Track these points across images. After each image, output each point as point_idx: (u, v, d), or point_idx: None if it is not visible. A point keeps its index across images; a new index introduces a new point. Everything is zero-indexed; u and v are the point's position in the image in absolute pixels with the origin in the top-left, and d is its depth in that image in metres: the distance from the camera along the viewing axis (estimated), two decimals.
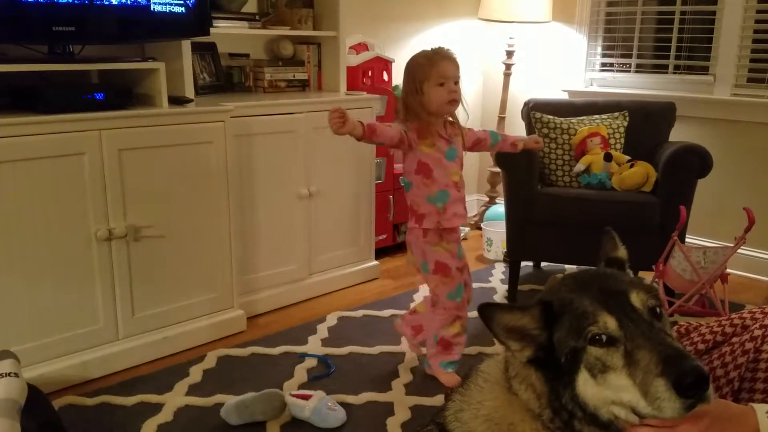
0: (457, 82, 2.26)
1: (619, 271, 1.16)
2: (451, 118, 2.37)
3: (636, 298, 1.02)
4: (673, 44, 3.82)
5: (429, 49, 2.31)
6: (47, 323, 2.31)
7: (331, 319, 2.95)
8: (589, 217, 3.02)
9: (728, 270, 2.79)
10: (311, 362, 2.56)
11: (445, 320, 2.39)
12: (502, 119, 4.25)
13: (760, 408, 1.10)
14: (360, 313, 3.03)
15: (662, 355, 0.94)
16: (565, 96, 4.16)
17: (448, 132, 2.34)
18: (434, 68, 2.22)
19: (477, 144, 2.48)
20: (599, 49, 4.14)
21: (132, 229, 2.45)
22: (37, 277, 2.26)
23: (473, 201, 4.72)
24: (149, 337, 2.57)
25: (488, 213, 4.18)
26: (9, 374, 1.85)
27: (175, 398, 2.30)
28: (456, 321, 2.39)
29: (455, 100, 2.26)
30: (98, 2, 2.32)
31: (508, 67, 4.19)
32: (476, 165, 4.71)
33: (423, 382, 2.44)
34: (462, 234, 4.20)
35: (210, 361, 2.57)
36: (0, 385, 1.80)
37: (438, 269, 2.35)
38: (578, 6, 4.11)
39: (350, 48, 3.60)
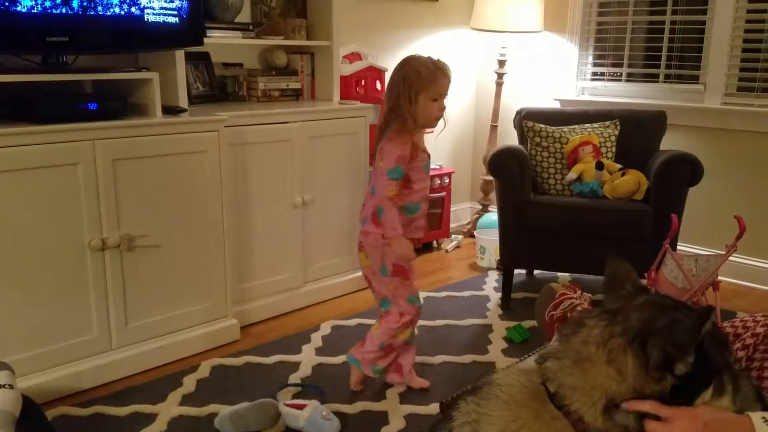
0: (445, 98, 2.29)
1: None
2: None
3: None
4: (664, 53, 3.85)
5: (427, 58, 2.28)
6: (40, 333, 2.30)
7: (326, 328, 2.95)
8: (582, 225, 3.04)
9: (720, 278, 2.80)
10: (306, 371, 2.57)
11: (398, 327, 2.37)
12: (494, 128, 4.27)
13: (755, 415, 1.12)
14: (354, 321, 3.03)
15: (756, 387, 1.10)
16: (556, 105, 4.18)
17: (420, 139, 2.33)
18: (434, 83, 2.22)
19: None
20: (590, 59, 4.17)
21: (126, 239, 2.44)
22: (31, 287, 2.25)
23: (466, 209, 4.74)
24: (143, 347, 2.57)
25: (481, 221, 4.19)
26: (4, 386, 1.84)
27: (169, 408, 2.29)
28: (409, 327, 2.40)
29: (440, 117, 2.29)
30: (92, 12, 2.32)
31: (501, 76, 4.22)
32: (469, 173, 4.73)
33: (417, 391, 2.44)
34: (455, 242, 4.22)
35: (204, 370, 2.56)
36: None
37: (397, 271, 2.34)
38: (570, 16, 4.14)
39: (343, 57, 3.61)
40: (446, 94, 2.27)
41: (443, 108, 2.28)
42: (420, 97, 2.22)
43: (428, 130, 2.42)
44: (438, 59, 2.30)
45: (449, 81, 2.28)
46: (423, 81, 2.21)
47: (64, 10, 2.26)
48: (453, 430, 1.15)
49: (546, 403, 1.10)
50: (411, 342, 2.46)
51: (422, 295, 3.32)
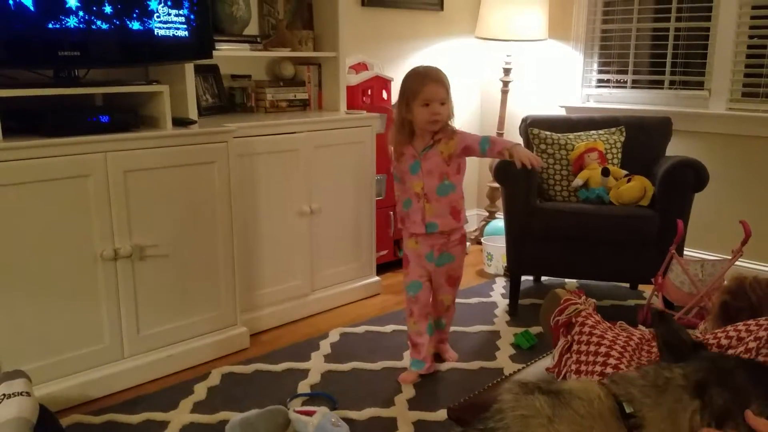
0: (444, 103, 2.42)
1: None
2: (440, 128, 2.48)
3: None
4: (668, 60, 3.87)
5: (421, 67, 2.51)
6: (53, 343, 2.34)
7: (334, 335, 2.98)
8: (588, 231, 3.06)
9: (726, 282, 2.81)
10: (315, 378, 2.59)
11: (406, 313, 2.66)
12: (500, 135, 4.29)
13: None
14: (362, 328, 3.06)
15: None
16: (562, 112, 4.20)
17: (426, 141, 2.48)
18: (422, 90, 2.40)
19: (466, 151, 2.50)
20: (595, 66, 4.19)
21: (137, 249, 2.48)
22: (44, 297, 2.29)
23: (473, 216, 4.76)
24: (154, 356, 2.60)
25: (488, 228, 4.20)
26: (21, 393, 1.88)
27: (181, 416, 2.32)
28: (410, 317, 2.63)
29: (437, 121, 2.42)
30: (103, 27, 2.37)
31: (506, 84, 4.25)
32: (476, 180, 4.75)
33: (426, 397, 2.46)
34: None
35: (214, 378, 2.59)
36: (13, 404, 1.83)
37: (404, 259, 2.66)
38: (574, 24, 4.16)
39: (350, 68, 3.65)
40: (439, 99, 2.40)
41: (436, 113, 2.40)
42: (413, 105, 2.42)
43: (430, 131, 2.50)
44: (430, 66, 2.50)
45: (440, 86, 2.42)
46: (413, 89, 2.43)
47: (75, 25, 2.30)
48: (508, 418, 1.17)
49: (618, 419, 1.15)
50: (418, 333, 2.62)
51: None
